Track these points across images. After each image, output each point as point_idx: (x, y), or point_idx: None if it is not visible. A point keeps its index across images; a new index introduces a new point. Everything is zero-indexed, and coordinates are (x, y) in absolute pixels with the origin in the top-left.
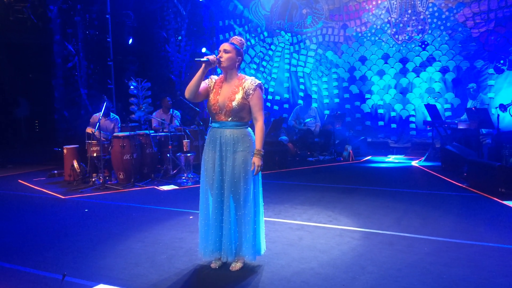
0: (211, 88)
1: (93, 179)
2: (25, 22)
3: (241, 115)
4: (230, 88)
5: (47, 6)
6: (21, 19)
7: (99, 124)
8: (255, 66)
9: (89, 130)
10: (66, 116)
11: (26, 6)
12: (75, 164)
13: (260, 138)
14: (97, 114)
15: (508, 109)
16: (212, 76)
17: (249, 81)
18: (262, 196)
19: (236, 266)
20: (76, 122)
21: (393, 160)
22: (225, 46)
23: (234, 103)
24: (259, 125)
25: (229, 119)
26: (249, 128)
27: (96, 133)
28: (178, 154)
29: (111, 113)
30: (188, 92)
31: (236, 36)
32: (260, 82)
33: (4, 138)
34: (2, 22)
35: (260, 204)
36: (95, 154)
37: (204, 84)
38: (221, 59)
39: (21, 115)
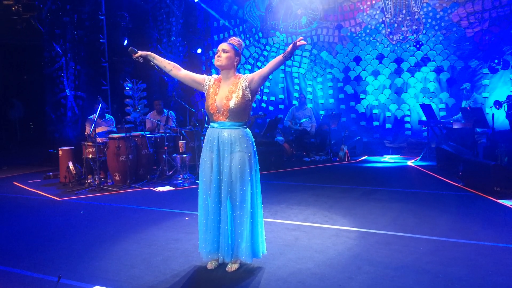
0: (208, 87)
1: (89, 181)
2: (20, 23)
3: (239, 115)
4: (227, 88)
5: (38, 6)
6: (15, 20)
7: (95, 125)
8: (249, 67)
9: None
10: (53, 118)
11: (34, 15)
12: (71, 165)
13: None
14: (92, 116)
15: (503, 105)
16: (213, 75)
17: (243, 77)
18: (261, 197)
19: (232, 267)
20: (62, 124)
21: (388, 160)
22: (223, 46)
23: (232, 102)
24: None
25: (227, 119)
26: (247, 128)
27: (92, 134)
28: (174, 155)
29: (106, 114)
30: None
31: (234, 37)
32: None
33: None
34: None
35: (258, 206)
36: (90, 156)
37: (199, 77)
38: (219, 59)
39: (15, 117)
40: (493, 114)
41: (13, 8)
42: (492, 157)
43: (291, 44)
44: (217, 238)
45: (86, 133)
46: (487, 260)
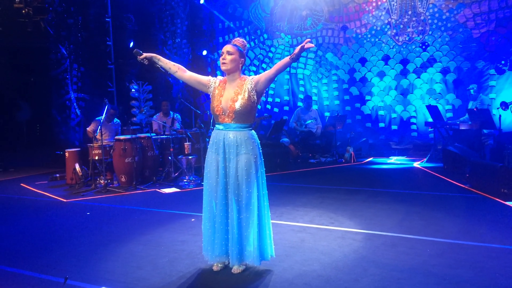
0: (214, 89)
1: (97, 182)
2: (27, 25)
3: (244, 117)
4: (233, 90)
5: (48, 9)
6: (23, 23)
7: (101, 127)
8: (254, 69)
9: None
10: (58, 120)
11: (47, 18)
12: (77, 167)
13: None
14: (100, 118)
15: (509, 107)
16: (218, 77)
17: (249, 79)
18: (267, 199)
19: (238, 269)
20: (67, 126)
21: (395, 161)
22: (228, 48)
23: (237, 104)
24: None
25: (232, 121)
26: (252, 130)
27: (98, 135)
28: (179, 157)
29: (115, 118)
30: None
31: (238, 38)
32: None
33: (5, 142)
34: (3, 25)
35: (265, 208)
36: (97, 157)
37: (204, 78)
38: (225, 61)
39: (22, 119)
40: (500, 116)
41: (23, 11)
42: (499, 158)
43: (299, 46)
44: (225, 241)
45: (88, 129)
46: (494, 263)
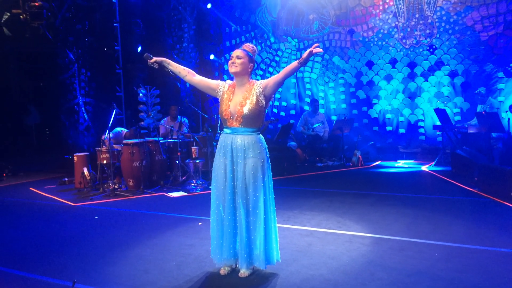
0: (223, 93)
1: (105, 186)
2: (25, 31)
3: (252, 121)
4: (241, 94)
5: (47, 14)
6: (32, 28)
7: (109, 130)
8: (261, 72)
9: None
10: (66, 124)
11: (43, 23)
12: (85, 171)
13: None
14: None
15: None
16: (227, 81)
17: (257, 83)
18: (274, 204)
19: (245, 273)
20: (76, 130)
21: (402, 165)
22: (237, 52)
23: (245, 109)
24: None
25: (240, 125)
26: (260, 135)
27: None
28: (187, 161)
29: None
30: (192, 83)
31: (248, 43)
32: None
33: (15, 146)
34: (13, 31)
35: (271, 212)
36: (105, 162)
37: (214, 83)
38: (234, 64)
39: (31, 123)
40: (508, 119)
41: (21, 17)
42: (508, 162)
43: (307, 51)
44: (233, 244)
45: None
46: (503, 267)
